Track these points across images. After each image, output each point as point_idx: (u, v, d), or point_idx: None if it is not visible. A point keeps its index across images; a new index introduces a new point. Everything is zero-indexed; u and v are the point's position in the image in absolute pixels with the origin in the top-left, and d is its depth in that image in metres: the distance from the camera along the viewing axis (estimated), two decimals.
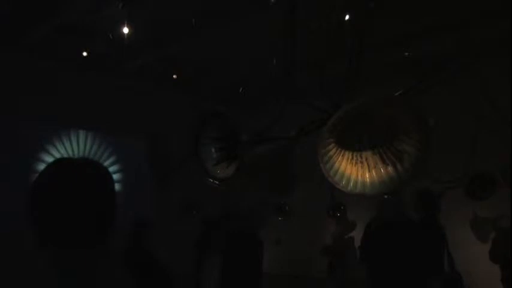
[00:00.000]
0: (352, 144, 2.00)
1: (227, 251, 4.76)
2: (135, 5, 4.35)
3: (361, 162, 1.95)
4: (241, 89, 6.32)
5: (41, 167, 1.23)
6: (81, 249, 1.19)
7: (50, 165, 1.24)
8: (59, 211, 1.17)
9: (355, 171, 1.95)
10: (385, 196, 3.84)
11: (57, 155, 6.18)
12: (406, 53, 5.17)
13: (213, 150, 2.42)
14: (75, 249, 1.19)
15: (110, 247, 1.27)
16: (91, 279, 1.21)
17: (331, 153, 1.94)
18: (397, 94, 2.33)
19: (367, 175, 1.93)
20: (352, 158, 1.98)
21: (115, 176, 6.87)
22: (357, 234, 5.67)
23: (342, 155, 1.98)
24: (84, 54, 5.70)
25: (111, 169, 6.81)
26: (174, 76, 6.48)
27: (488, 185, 5.10)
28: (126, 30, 4.58)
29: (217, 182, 2.36)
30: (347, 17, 2.82)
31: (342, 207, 6.32)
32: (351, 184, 1.94)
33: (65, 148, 6.46)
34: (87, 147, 6.74)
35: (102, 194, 1.24)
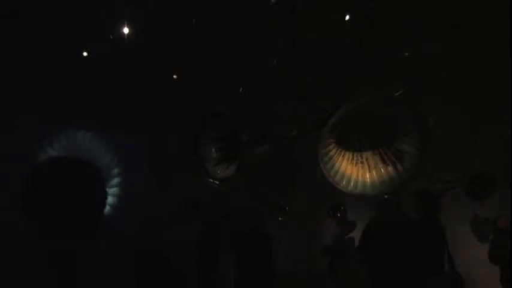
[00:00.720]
0: (353, 144, 2.00)
1: (240, 249, 4.79)
2: (136, 5, 4.35)
3: (362, 163, 1.95)
4: (241, 89, 6.32)
5: (35, 167, 1.27)
6: (74, 241, 1.22)
7: (42, 164, 1.27)
8: (51, 206, 1.20)
9: (355, 171, 1.95)
10: (385, 196, 3.84)
11: (52, 156, 6.18)
12: (406, 53, 5.17)
13: (213, 150, 2.41)
14: (69, 242, 1.21)
15: (103, 241, 1.29)
16: (89, 273, 1.23)
17: (331, 153, 1.94)
18: (397, 94, 2.33)
19: (367, 175, 1.93)
20: (353, 158, 1.98)
21: (115, 176, 6.87)
22: (357, 235, 5.67)
23: (343, 155, 1.98)
24: (85, 54, 5.71)
25: (111, 170, 6.81)
26: (174, 76, 6.48)
27: (488, 185, 5.09)
28: (126, 30, 4.58)
29: (217, 182, 2.36)
30: (347, 17, 2.82)
31: (342, 208, 6.32)
32: (351, 184, 1.94)
33: (65, 148, 6.46)
34: (87, 147, 6.74)
35: (91, 190, 1.27)
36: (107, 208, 1.32)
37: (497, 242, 4.64)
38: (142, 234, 5.11)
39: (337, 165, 1.95)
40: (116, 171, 6.91)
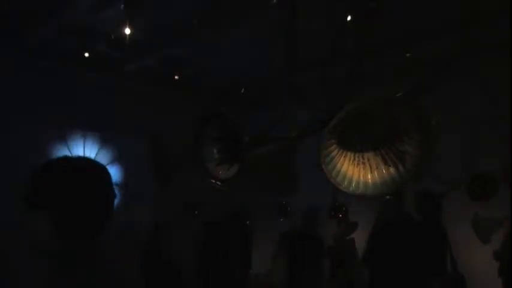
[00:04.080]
0: (354, 145, 2.00)
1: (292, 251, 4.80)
2: (136, 6, 4.35)
3: (363, 163, 1.95)
4: (242, 89, 6.32)
5: (40, 166, 1.28)
6: (82, 240, 1.22)
7: (50, 164, 1.27)
8: (56, 206, 1.21)
9: (357, 172, 1.95)
10: (387, 197, 3.85)
11: (58, 156, 6.17)
12: (408, 54, 5.17)
13: (214, 151, 2.41)
14: (71, 242, 1.22)
15: (105, 241, 1.30)
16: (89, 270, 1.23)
17: (333, 154, 1.94)
18: (398, 95, 2.33)
19: (369, 176, 1.93)
20: (354, 158, 1.98)
21: (115, 177, 6.87)
22: (358, 235, 5.67)
23: (344, 156, 1.98)
24: (86, 55, 5.71)
25: (111, 169, 6.81)
26: (176, 77, 6.48)
27: (488, 185, 5.09)
28: (127, 31, 4.58)
29: (218, 183, 2.36)
30: (349, 18, 2.82)
31: (344, 208, 6.33)
32: (353, 185, 1.94)
33: (66, 148, 6.46)
34: (88, 148, 6.74)
35: (99, 190, 1.27)
36: (112, 208, 1.33)
37: (506, 242, 4.64)
38: (144, 234, 5.12)
39: (338, 165, 1.95)
40: (116, 171, 6.91)
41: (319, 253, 5.00)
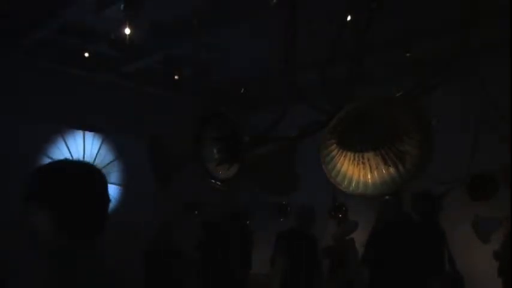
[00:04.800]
0: (354, 145, 2.00)
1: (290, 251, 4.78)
2: (137, 6, 4.35)
3: (363, 163, 1.95)
4: (242, 89, 6.32)
5: (41, 167, 1.30)
6: (75, 241, 1.23)
7: (50, 164, 1.28)
8: (60, 207, 1.22)
9: (357, 172, 1.95)
10: (387, 197, 3.84)
11: (58, 156, 6.18)
12: (408, 54, 5.17)
13: (214, 151, 2.41)
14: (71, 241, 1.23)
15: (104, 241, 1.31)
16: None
17: (333, 153, 1.94)
18: (398, 95, 2.33)
19: (369, 176, 1.93)
20: (354, 158, 1.98)
21: (115, 177, 6.87)
22: (358, 235, 5.67)
23: (344, 156, 1.98)
24: (86, 55, 5.71)
25: (112, 169, 6.81)
26: (176, 77, 6.49)
27: (488, 185, 5.10)
28: (127, 31, 4.58)
29: (218, 183, 2.36)
30: (349, 18, 2.82)
31: (344, 208, 6.33)
32: (353, 185, 1.94)
33: (66, 149, 6.46)
34: (88, 147, 6.74)
35: (97, 192, 1.28)
36: (109, 209, 1.33)
37: (506, 242, 4.64)
38: (144, 234, 5.12)
39: (338, 165, 1.95)
40: (116, 171, 6.91)
41: (317, 253, 4.99)
